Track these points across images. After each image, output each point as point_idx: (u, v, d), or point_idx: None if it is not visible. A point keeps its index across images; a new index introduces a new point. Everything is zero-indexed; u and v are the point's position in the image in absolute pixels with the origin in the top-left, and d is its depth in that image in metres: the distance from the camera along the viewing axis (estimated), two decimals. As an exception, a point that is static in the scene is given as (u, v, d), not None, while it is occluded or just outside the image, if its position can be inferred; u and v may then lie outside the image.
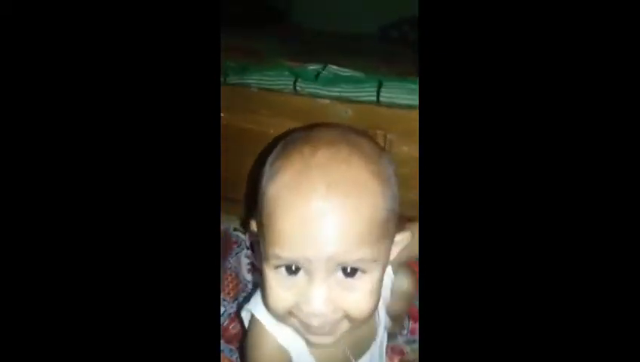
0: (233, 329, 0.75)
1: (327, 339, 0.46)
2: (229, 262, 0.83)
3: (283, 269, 0.44)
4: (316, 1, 1.69)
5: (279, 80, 0.79)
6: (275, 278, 0.44)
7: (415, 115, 0.73)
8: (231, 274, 0.81)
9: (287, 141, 0.47)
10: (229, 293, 0.79)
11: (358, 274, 0.43)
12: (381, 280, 0.45)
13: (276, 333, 0.50)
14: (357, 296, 0.43)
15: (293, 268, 0.43)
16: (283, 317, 0.46)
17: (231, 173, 0.71)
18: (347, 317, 0.44)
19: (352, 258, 0.42)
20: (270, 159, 0.46)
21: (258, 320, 0.51)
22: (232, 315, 0.77)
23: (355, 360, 0.54)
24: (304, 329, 0.46)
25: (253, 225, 0.49)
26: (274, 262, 0.43)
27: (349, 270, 0.42)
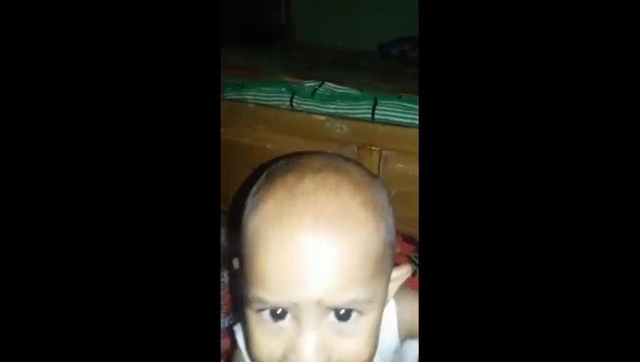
0: (225, 344, 0.75)
1: None
2: (223, 276, 0.83)
3: (267, 313, 0.38)
4: (317, 18, 1.73)
5: (276, 96, 0.80)
6: (258, 324, 0.39)
7: (410, 132, 0.75)
8: (224, 289, 0.81)
9: (270, 170, 0.43)
10: (222, 308, 0.79)
11: (353, 316, 0.38)
12: (379, 323, 0.41)
13: None
14: (352, 343, 0.39)
15: (279, 311, 0.38)
16: None
17: (228, 188, 0.71)
18: None
19: (344, 299, 0.37)
20: (253, 190, 0.42)
21: (239, 347, 0.48)
22: (225, 330, 0.76)
23: None
24: None
25: (236, 263, 0.45)
26: (256, 306, 0.38)
27: (342, 312, 0.38)
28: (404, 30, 1.43)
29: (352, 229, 0.37)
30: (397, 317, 0.49)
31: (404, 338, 0.50)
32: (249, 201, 0.41)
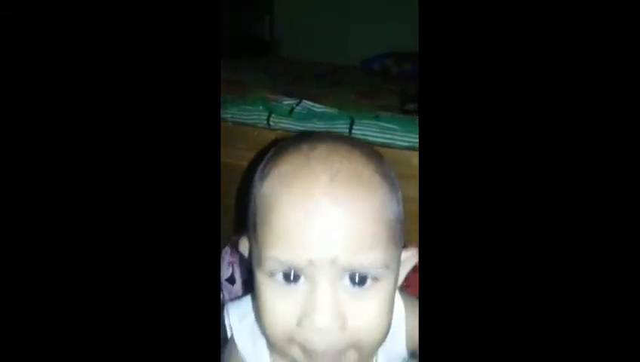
0: None
1: None
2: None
3: (280, 276, 0.38)
4: (301, 33, 1.74)
5: (253, 114, 0.80)
6: (270, 287, 0.39)
7: (387, 152, 0.74)
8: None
9: (278, 147, 0.43)
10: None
11: (369, 282, 0.38)
12: (393, 296, 0.40)
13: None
14: (368, 310, 0.38)
15: (292, 275, 0.37)
16: (283, 344, 0.39)
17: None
18: (356, 343, 0.38)
19: (362, 261, 0.37)
20: (260, 167, 0.43)
21: (234, 340, 0.48)
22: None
23: None
24: (306, 359, 0.39)
25: (244, 242, 0.45)
26: (270, 266, 0.38)
27: (357, 279, 0.37)
28: (392, 45, 1.44)
29: (367, 192, 0.38)
30: (405, 326, 0.49)
31: (411, 351, 0.50)
32: (257, 176, 0.42)
